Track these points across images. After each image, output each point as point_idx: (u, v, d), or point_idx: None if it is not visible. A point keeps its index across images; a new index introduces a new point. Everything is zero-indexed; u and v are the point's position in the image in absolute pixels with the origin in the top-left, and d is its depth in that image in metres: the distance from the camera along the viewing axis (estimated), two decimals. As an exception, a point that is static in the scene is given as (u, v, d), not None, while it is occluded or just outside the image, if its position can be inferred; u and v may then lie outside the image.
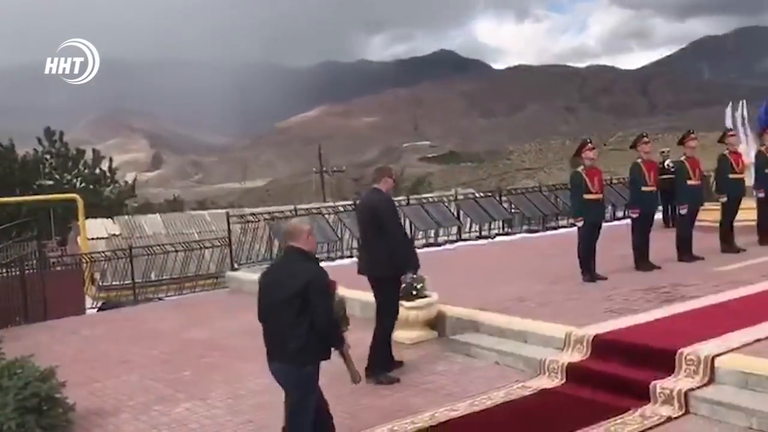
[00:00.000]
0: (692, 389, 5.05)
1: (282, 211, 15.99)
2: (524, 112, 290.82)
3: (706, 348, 5.37)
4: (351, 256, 13.85)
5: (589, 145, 9.34)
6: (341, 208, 16.15)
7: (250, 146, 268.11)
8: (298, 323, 4.06)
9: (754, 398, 4.83)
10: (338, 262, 13.40)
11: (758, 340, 5.50)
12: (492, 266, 11.81)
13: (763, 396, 4.83)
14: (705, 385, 5.10)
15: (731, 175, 10.49)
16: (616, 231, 11.38)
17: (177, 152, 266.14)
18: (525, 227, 17.28)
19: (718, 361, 5.18)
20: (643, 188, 9.60)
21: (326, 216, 14.95)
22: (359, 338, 8.03)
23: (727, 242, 10.43)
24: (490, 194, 19.11)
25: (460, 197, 18.10)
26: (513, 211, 17.86)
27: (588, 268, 9.03)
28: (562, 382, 5.86)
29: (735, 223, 10.59)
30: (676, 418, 4.94)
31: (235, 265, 14.16)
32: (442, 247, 14.95)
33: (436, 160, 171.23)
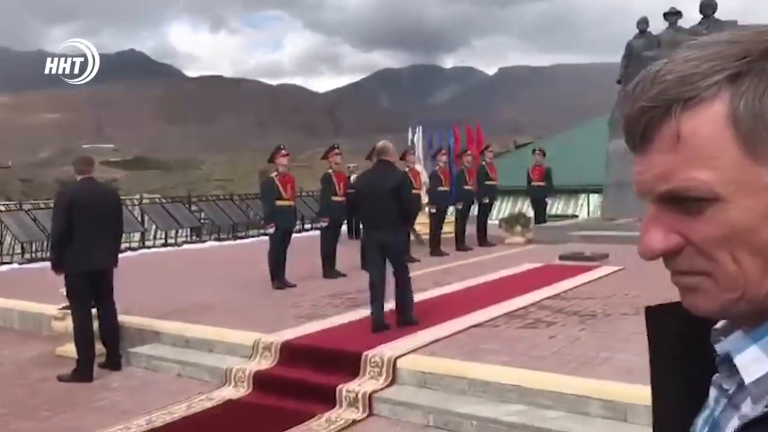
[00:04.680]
0: (376, 391, 5.14)
1: None
2: (216, 123, 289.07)
3: (389, 350, 5.54)
4: (11, 263, 12.09)
5: (283, 151, 9.33)
6: (2, 207, 14.03)
7: None
8: (394, 205, 6.27)
9: (430, 396, 5.06)
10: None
11: (434, 341, 5.82)
12: (179, 274, 11.17)
13: (437, 394, 5.09)
14: (388, 386, 5.23)
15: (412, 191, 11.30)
16: (305, 241, 11.55)
17: None
18: (214, 236, 16.79)
19: (399, 362, 5.36)
20: (334, 198, 9.87)
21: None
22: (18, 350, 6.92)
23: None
24: (178, 200, 18.22)
25: (146, 201, 16.96)
26: (203, 219, 17.27)
27: (278, 275, 8.96)
28: (249, 391, 5.60)
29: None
30: (360, 420, 4.97)
31: None
32: (122, 255, 13.74)
33: (121, 165, 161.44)
